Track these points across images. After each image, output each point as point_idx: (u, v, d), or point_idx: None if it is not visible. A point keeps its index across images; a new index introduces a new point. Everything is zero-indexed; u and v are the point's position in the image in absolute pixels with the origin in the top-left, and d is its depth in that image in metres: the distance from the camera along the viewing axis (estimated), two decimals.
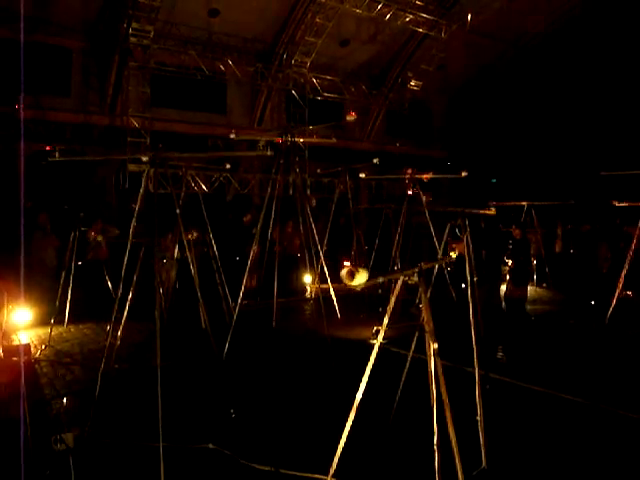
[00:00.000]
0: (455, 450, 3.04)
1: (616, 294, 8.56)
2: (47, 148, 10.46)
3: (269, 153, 5.99)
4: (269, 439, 4.46)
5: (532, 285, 11.53)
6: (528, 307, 9.33)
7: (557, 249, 12.89)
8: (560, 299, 11.00)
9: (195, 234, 8.94)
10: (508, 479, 3.85)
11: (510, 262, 8.35)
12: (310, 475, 3.78)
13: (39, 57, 12.12)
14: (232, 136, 11.82)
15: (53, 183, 11.63)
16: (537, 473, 3.92)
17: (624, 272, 8.60)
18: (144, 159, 5.34)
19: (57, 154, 5.42)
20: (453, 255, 3.85)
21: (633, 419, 4.82)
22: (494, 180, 18.46)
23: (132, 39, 12.13)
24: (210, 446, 4.24)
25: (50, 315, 7.81)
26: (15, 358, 6.32)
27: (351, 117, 6.59)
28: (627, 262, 8.61)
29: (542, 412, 5.06)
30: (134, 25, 11.95)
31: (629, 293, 9.22)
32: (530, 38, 17.25)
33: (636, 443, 4.39)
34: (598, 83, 15.87)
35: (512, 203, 11.85)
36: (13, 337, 7.22)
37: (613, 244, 10.69)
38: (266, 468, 3.91)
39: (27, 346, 6.74)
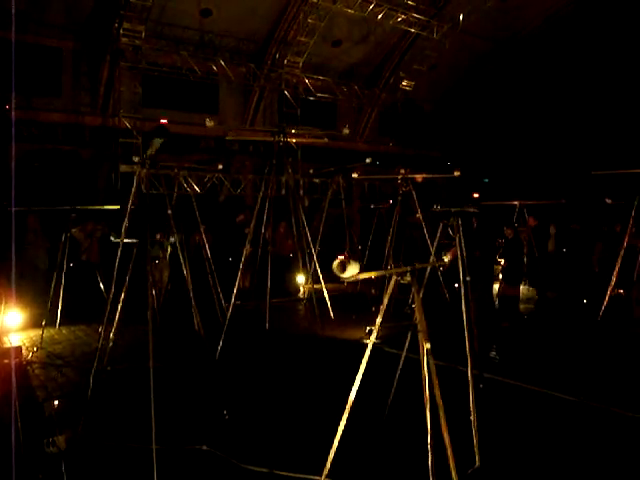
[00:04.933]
0: (448, 449, 3.05)
1: (608, 292, 8.63)
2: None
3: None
4: (263, 440, 4.45)
5: (524, 284, 11.58)
6: (521, 306, 9.39)
7: (550, 248, 12.96)
8: (553, 297, 11.07)
9: (198, 237, 8.92)
10: (501, 478, 3.87)
11: (503, 261, 8.40)
12: (304, 476, 3.77)
13: (30, 57, 12.03)
14: (229, 137, 11.83)
15: (44, 184, 11.56)
16: (530, 471, 3.94)
17: (616, 271, 8.67)
18: (136, 160, 5.33)
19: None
20: (446, 259, 3.86)
21: (626, 417, 4.86)
22: (486, 180, 18.54)
23: (123, 39, 12.07)
24: (204, 448, 4.23)
25: (42, 317, 7.76)
26: (6, 360, 6.27)
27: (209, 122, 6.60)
28: (619, 261, 8.68)
29: (535, 411, 5.09)
30: (125, 25, 11.89)
31: (621, 291, 9.29)
32: (522, 37, 17.33)
33: (629, 440, 4.43)
34: (590, 82, 15.98)
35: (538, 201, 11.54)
36: (4, 339, 7.16)
37: (607, 243, 10.76)
38: (260, 469, 3.91)
39: (18, 348, 6.69)
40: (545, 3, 15.96)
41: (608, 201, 8.72)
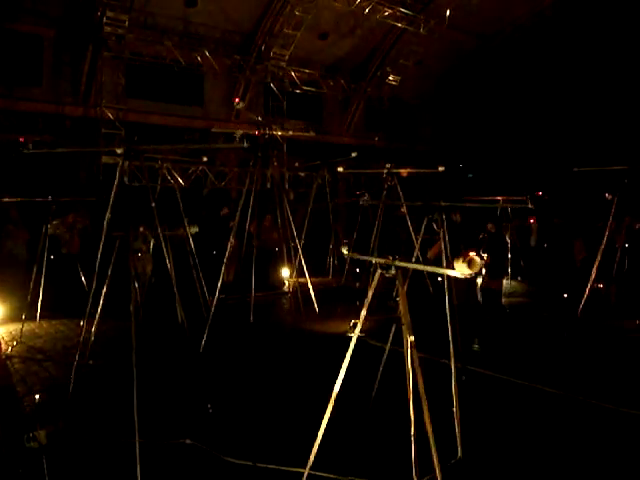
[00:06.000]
0: (431, 441, 3.08)
1: (588, 287, 8.78)
2: (20, 139, 9.98)
3: (245, 145, 5.90)
4: (247, 433, 4.45)
5: (507, 278, 11.73)
6: (503, 300, 9.49)
7: (532, 243, 13.15)
8: (534, 292, 11.23)
9: (197, 229, 8.84)
10: (483, 469, 3.92)
11: (486, 256, 8.47)
12: (288, 468, 3.78)
13: (9, 45, 11.77)
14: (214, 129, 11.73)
15: (24, 175, 11.34)
16: (511, 463, 4.00)
17: (596, 265, 8.82)
18: (118, 151, 5.24)
19: (30, 146, 5.15)
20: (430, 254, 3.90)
21: (605, 409, 4.95)
22: (470, 175, 18.69)
23: (106, 28, 11.85)
24: (187, 441, 4.21)
25: (21, 310, 7.64)
26: None
27: (237, 103, 6.55)
28: (599, 255, 8.83)
29: (517, 403, 5.16)
30: (108, 14, 11.67)
31: (601, 286, 9.46)
32: (508, 33, 17.43)
33: (607, 432, 4.52)
34: (574, 78, 16.15)
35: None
36: None
37: (587, 239, 10.93)
38: (244, 462, 3.90)
39: None
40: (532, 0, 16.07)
41: (608, 197, 8.78)
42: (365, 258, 2.93)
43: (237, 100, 6.57)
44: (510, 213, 12.25)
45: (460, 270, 2.66)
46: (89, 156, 12.75)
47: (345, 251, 3.53)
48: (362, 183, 16.95)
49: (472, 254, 2.68)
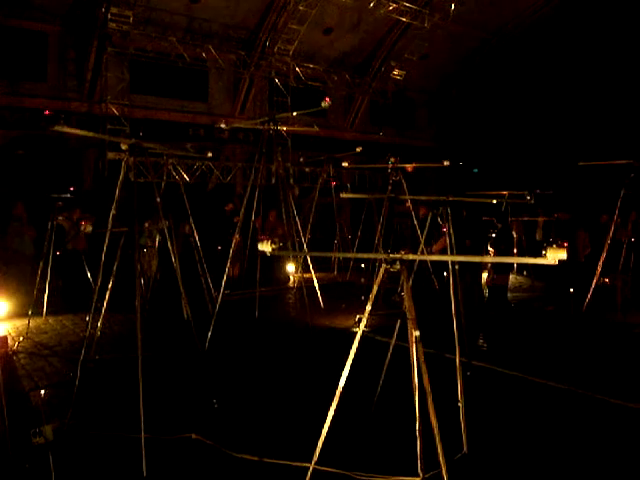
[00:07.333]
0: (437, 436, 3.07)
1: (594, 281, 8.73)
2: (46, 113, 9.49)
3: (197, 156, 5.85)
4: (253, 429, 4.45)
5: (513, 273, 11.69)
6: (509, 295, 9.46)
7: (538, 237, 13.09)
8: (540, 286, 11.19)
9: (187, 227, 8.84)
10: (488, 464, 3.90)
11: (492, 250, 8.44)
12: (294, 463, 3.78)
13: (14, 41, 11.79)
14: (222, 125, 11.72)
15: (30, 172, 11.39)
16: (517, 458, 3.98)
17: (602, 260, 8.77)
18: (123, 147, 5.23)
19: (62, 122, 5.03)
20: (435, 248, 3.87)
21: (611, 404, 4.92)
22: (476, 170, 18.60)
23: (111, 24, 11.86)
24: (193, 436, 4.22)
25: (28, 306, 7.68)
26: None
27: (326, 103, 6.49)
28: (605, 250, 8.78)
29: (522, 398, 5.14)
30: (113, 10, 11.69)
31: (606, 280, 9.40)
32: (513, 28, 17.31)
33: (613, 427, 4.49)
34: (580, 73, 16.03)
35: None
36: None
37: (592, 233, 10.87)
38: (250, 457, 3.91)
39: (4, 338, 6.62)
40: None
41: None
42: (288, 253, 2.84)
43: (328, 100, 6.49)
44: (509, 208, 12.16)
45: (555, 256, 2.68)
46: (94, 152, 12.79)
47: (267, 248, 3.09)
48: (367, 178, 16.93)
49: (566, 244, 2.76)
